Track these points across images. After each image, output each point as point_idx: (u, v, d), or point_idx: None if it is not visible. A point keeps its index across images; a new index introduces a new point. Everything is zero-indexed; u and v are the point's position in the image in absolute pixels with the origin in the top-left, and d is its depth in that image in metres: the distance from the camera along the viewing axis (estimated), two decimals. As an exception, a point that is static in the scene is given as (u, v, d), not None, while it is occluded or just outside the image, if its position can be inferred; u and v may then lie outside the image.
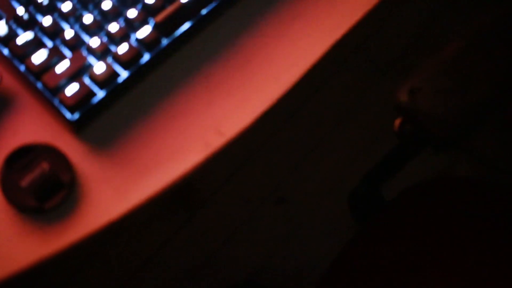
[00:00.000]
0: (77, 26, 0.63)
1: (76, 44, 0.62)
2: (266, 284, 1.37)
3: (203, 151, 0.62)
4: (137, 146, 0.61)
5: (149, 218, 1.36)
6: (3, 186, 0.57)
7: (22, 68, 0.60)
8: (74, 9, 0.63)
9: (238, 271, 1.37)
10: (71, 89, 0.59)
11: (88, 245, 0.58)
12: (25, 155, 0.58)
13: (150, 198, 0.60)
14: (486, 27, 0.73)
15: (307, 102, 1.58)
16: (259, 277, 1.37)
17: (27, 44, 0.61)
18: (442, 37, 1.68)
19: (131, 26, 0.63)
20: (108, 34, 0.63)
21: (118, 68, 0.61)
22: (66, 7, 0.63)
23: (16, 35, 0.61)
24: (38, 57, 0.60)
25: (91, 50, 0.62)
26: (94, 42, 0.62)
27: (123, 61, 0.61)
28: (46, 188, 0.56)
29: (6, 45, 0.61)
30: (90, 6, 0.64)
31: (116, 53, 0.61)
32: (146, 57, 0.62)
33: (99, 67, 0.60)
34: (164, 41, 0.63)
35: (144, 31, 0.63)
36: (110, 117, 0.62)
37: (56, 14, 0.63)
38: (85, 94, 0.59)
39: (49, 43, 0.62)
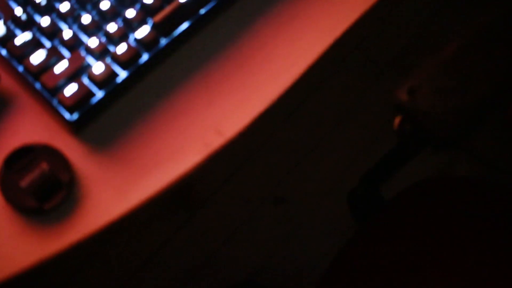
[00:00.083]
0: (75, 27, 0.63)
1: (74, 45, 0.62)
2: (266, 284, 1.37)
3: (202, 151, 0.62)
4: (137, 146, 0.61)
5: (149, 218, 1.36)
6: (2, 187, 0.57)
7: (20, 68, 0.60)
8: (72, 9, 0.63)
9: (238, 271, 1.37)
10: (70, 89, 0.59)
11: (88, 245, 0.57)
12: (25, 156, 0.57)
13: (150, 198, 0.59)
14: (486, 27, 0.73)
15: (306, 102, 1.58)
16: (259, 277, 1.37)
17: (25, 44, 0.61)
18: (442, 36, 1.68)
19: (130, 26, 0.63)
20: (107, 34, 0.62)
21: (117, 68, 0.61)
22: (64, 7, 0.63)
23: (14, 36, 0.61)
24: (37, 57, 0.60)
25: (89, 50, 0.62)
26: (93, 42, 0.62)
27: (122, 61, 0.61)
28: (45, 188, 0.56)
29: (4, 46, 0.61)
30: (88, 6, 0.64)
31: (115, 53, 0.61)
32: (145, 57, 0.62)
33: (97, 67, 0.60)
34: (163, 41, 0.63)
35: (143, 31, 0.63)
36: (109, 117, 0.62)
37: (54, 15, 0.63)
38: (84, 94, 0.59)
39: (48, 44, 0.62)
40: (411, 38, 1.70)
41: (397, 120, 0.71)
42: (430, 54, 0.73)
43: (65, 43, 0.61)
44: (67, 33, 0.62)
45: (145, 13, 0.64)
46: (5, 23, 0.61)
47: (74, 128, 0.60)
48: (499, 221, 0.89)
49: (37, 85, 0.59)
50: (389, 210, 0.90)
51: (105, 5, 0.63)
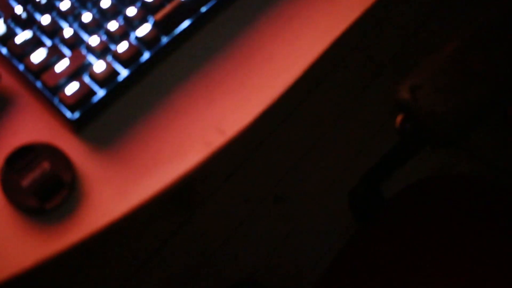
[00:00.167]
0: (76, 25, 0.62)
1: (75, 43, 0.61)
2: (265, 283, 1.37)
3: (204, 150, 0.61)
4: (138, 145, 0.61)
5: (149, 217, 1.36)
6: (3, 186, 0.56)
7: (21, 67, 0.60)
8: (72, 7, 0.63)
9: (238, 270, 1.37)
10: (71, 88, 0.59)
11: (90, 245, 0.57)
12: (26, 155, 0.57)
13: (152, 198, 0.59)
14: (487, 26, 0.73)
15: (305, 101, 1.58)
16: (259, 276, 1.37)
17: (25, 43, 0.60)
18: (440, 36, 1.68)
19: (131, 24, 0.63)
20: (108, 33, 0.62)
21: (118, 67, 0.61)
22: (64, 5, 0.62)
23: (15, 34, 0.61)
24: (37, 56, 0.60)
25: (90, 49, 0.61)
26: (94, 40, 0.61)
27: (123, 59, 0.61)
28: (47, 188, 0.56)
29: (4, 44, 0.60)
30: (89, 5, 0.63)
31: (116, 51, 0.61)
32: (146, 55, 0.62)
33: (99, 66, 0.60)
34: (164, 39, 0.63)
35: (144, 29, 0.62)
36: (110, 116, 0.62)
37: (54, 13, 0.63)
38: (85, 93, 0.59)
39: (48, 42, 0.61)
40: (410, 37, 1.70)
41: (398, 118, 0.70)
42: (428, 52, 0.73)
43: (65, 42, 0.61)
44: (67, 32, 0.61)
45: (146, 11, 0.63)
46: (5, 22, 0.61)
47: (75, 127, 0.60)
48: (499, 221, 0.88)
49: (38, 84, 0.59)
50: (389, 210, 0.90)
51: (105, 3, 0.63)
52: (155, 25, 0.63)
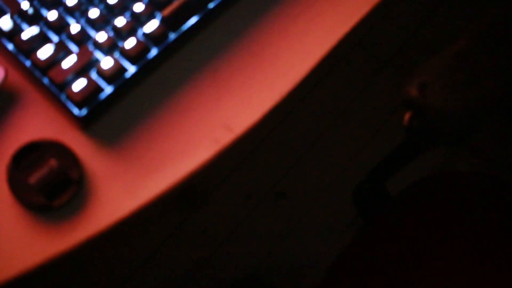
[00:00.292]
0: (83, 21, 0.62)
1: (82, 39, 0.61)
2: (266, 281, 1.36)
3: (212, 147, 0.61)
4: (145, 142, 0.61)
5: (150, 216, 1.35)
6: (11, 184, 0.56)
7: (28, 63, 0.59)
8: (79, 3, 0.62)
9: (239, 268, 1.37)
10: (79, 84, 0.58)
11: (97, 243, 0.57)
12: (33, 152, 0.57)
13: (160, 195, 0.59)
14: (494, 23, 0.73)
15: (307, 98, 1.58)
16: (260, 274, 1.37)
17: (32, 39, 0.59)
18: (441, 33, 1.68)
19: (138, 20, 0.62)
20: (115, 29, 0.61)
21: (125, 63, 0.60)
22: (71, 1, 0.62)
23: (21, 30, 0.60)
24: (44, 52, 0.59)
25: (97, 45, 0.61)
26: (101, 36, 0.61)
27: (131, 56, 0.60)
28: (54, 185, 0.56)
29: (11, 40, 0.60)
30: (96, 0, 0.63)
31: (123, 47, 0.60)
32: (153, 51, 0.61)
33: (106, 62, 0.59)
34: (172, 36, 0.62)
35: (151, 26, 0.62)
36: (117, 113, 0.61)
37: (61, 9, 0.62)
38: (93, 89, 0.58)
39: (55, 38, 0.61)
40: (411, 35, 1.70)
41: (406, 116, 0.70)
42: (435, 50, 0.73)
43: (72, 38, 0.60)
44: (74, 28, 0.61)
45: (154, 7, 0.63)
46: (11, 17, 0.60)
47: (83, 124, 0.59)
48: (503, 219, 0.88)
49: (45, 80, 0.58)
50: (393, 208, 0.90)
51: (112, -1, 0.62)
52: (162, 21, 0.62)
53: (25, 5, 0.61)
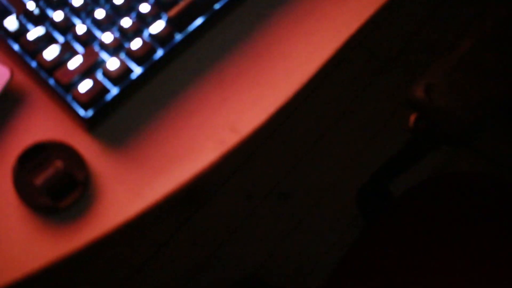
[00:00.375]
0: (88, 21, 0.62)
1: (88, 40, 0.60)
2: (268, 281, 1.36)
3: (218, 149, 0.61)
4: (151, 144, 0.60)
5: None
6: (16, 185, 0.55)
7: (33, 64, 0.59)
8: (85, 3, 0.62)
9: (241, 268, 1.36)
10: (85, 85, 0.58)
11: (103, 245, 0.56)
12: (38, 154, 0.56)
13: (165, 197, 0.59)
14: (500, 24, 0.73)
15: (309, 97, 1.57)
16: (262, 274, 1.37)
17: (38, 39, 0.59)
18: (443, 33, 1.67)
19: (144, 21, 0.62)
20: (121, 29, 0.61)
21: (131, 64, 0.60)
22: (77, 1, 0.61)
23: (27, 31, 0.60)
24: (50, 53, 0.59)
25: (103, 46, 0.60)
26: (107, 37, 0.60)
27: (137, 56, 0.60)
28: (60, 186, 0.55)
29: (16, 41, 0.59)
30: (102, 1, 0.62)
31: (129, 48, 0.60)
32: (159, 52, 0.61)
33: (112, 63, 0.59)
34: (178, 37, 0.62)
35: (157, 26, 0.61)
36: (123, 114, 0.61)
37: (67, 9, 0.62)
38: (99, 90, 0.58)
39: (61, 39, 0.60)
40: (413, 35, 1.70)
41: (412, 118, 0.70)
42: (440, 50, 0.73)
43: (78, 38, 0.60)
44: (80, 28, 0.60)
45: (160, 7, 0.63)
46: (17, 18, 0.60)
47: (89, 125, 0.59)
48: (505, 220, 0.88)
49: (51, 81, 0.58)
50: (395, 209, 0.90)
51: (118, 0, 0.62)
52: (168, 22, 0.62)
53: (31, 6, 0.60)
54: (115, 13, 0.62)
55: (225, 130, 0.62)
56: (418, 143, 0.77)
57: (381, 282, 0.83)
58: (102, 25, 0.61)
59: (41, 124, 0.59)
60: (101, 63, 0.60)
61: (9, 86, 0.60)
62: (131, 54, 0.60)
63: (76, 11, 0.61)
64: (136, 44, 0.60)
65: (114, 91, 0.59)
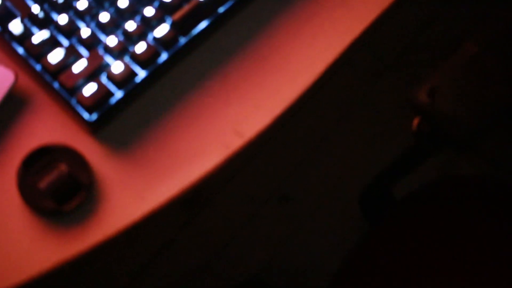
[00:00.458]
0: (93, 25, 0.62)
1: (92, 43, 0.60)
2: (270, 283, 1.36)
3: (222, 153, 0.61)
4: (156, 147, 0.60)
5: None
6: (20, 189, 0.56)
7: (38, 67, 0.59)
8: (90, 7, 0.62)
9: (242, 270, 1.36)
10: (89, 89, 0.58)
11: (108, 248, 0.57)
12: (43, 157, 0.56)
13: (170, 200, 0.59)
14: (503, 29, 0.73)
15: (310, 99, 1.57)
16: (263, 277, 1.37)
17: (43, 43, 0.59)
18: (445, 35, 1.68)
19: (148, 24, 0.62)
20: (125, 33, 0.61)
21: (136, 68, 0.60)
22: (81, 5, 0.61)
23: (32, 34, 0.60)
24: (55, 56, 0.59)
25: (108, 49, 0.60)
26: (111, 41, 0.60)
27: (141, 60, 0.60)
28: (64, 190, 0.55)
29: (21, 44, 0.60)
30: (106, 4, 0.63)
31: (134, 52, 0.60)
32: (164, 56, 0.61)
33: (116, 67, 0.59)
34: (182, 40, 0.62)
35: (162, 30, 0.62)
36: (127, 118, 0.61)
37: (71, 12, 0.62)
38: (103, 94, 0.58)
39: (65, 42, 0.60)
40: (416, 37, 1.70)
41: (415, 121, 0.70)
42: (442, 53, 0.73)
43: (83, 42, 0.60)
44: (85, 32, 0.60)
45: (164, 11, 0.63)
46: (22, 21, 0.60)
47: (93, 129, 0.59)
48: (508, 222, 0.88)
49: (55, 85, 0.58)
50: (398, 212, 0.90)
51: (123, 3, 0.62)
52: (173, 25, 0.62)
53: (35, 9, 0.60)
54: (120, 17, 0.62)
55: (229, 134, 0.62)
56: (421, 146, 0.77)
57: (384, 285, 0.83)
58: (107, 29, 0.61)
59: (46, 128, 0.59)
60: (106, 66, 0.60)
61: (14, 90, 0.60)
62: (135, 58, 0.60)
63: (81, 15, 0.61)
64: (140, 47, 0.60)
65: (118, 94, 0.59)
